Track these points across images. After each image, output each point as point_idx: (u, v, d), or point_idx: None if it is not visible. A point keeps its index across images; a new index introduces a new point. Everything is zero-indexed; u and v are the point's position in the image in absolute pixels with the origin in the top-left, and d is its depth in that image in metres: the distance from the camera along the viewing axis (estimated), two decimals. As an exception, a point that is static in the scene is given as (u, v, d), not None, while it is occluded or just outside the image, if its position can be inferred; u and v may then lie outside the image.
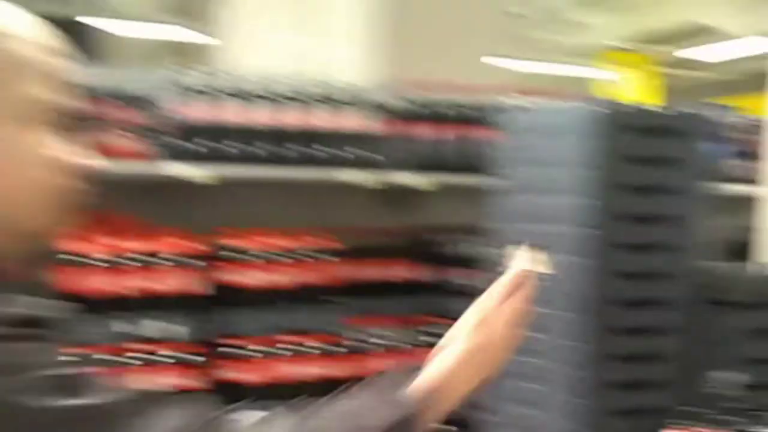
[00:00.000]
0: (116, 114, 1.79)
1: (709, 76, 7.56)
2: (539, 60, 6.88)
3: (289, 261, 2.00)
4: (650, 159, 1.55)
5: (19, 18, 0.58)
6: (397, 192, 2.13)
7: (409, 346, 2.13)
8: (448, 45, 2.83)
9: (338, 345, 2.05)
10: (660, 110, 1.74)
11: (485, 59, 3.17)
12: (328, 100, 1.97)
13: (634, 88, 7.19)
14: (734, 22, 5.38)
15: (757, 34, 4.01)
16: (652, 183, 1.56)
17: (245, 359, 1.95)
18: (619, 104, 1.69)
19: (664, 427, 1.48)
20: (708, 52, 6.66)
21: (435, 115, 2.12)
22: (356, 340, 2.08)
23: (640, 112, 1.67)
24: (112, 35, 5.75)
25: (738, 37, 5.61)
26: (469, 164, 1.99)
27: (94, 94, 1.71)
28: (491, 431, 1.78)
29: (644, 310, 1.56)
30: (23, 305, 0.56)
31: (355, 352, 2.07)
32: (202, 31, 4.74)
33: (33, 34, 0.59)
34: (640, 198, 1.54)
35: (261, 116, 1.91)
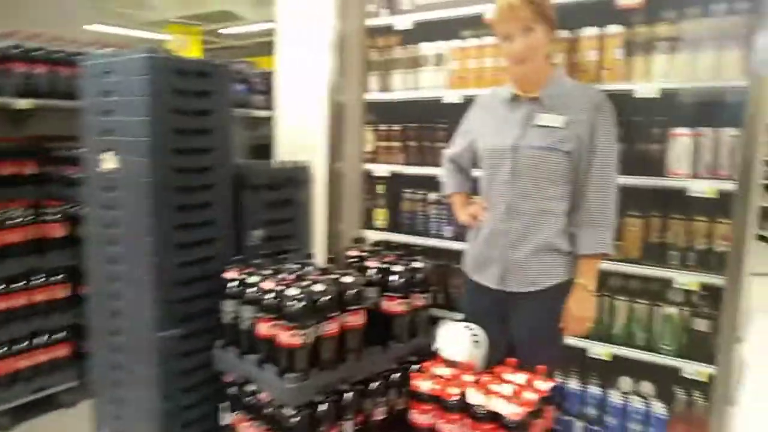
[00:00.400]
0: None
1: (236, 44, 11.85)
2: (125, 27, 9.43)
3: None
4: (193, 92, 2.14)
5: None
6: (13, 112, 3.00)
7: (32, 222, 2.95)
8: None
9: None
10: (200, 60, 2.44)
11: (87, 26, 4.00)
12: None
13: (187, 50, 10.09)
14: (251, 11, 8.43)
15: (267, 19, 6.01)
16: (196, 108, 2.15)
17: None
18: (172, 54, 2.30)
19: (223, 270, 2.09)
20: (235, 29, 10.57)
21: (36, 57, 3.02)
22: None
23: (185, 60, 2.28)
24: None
25: (255, 21, 9.04)
26: (64, 92, 2.73)
27: None
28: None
29: (196, 192, 2.17)
30: None
31: None
32: None
33: None
34: (186, 117, 2.12)
35: None
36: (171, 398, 2.15)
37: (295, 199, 2.57)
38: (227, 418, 2.08)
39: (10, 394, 2.93)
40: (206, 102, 2.21)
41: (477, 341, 1.82)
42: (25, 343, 2.98)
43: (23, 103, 2.98)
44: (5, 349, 2.92)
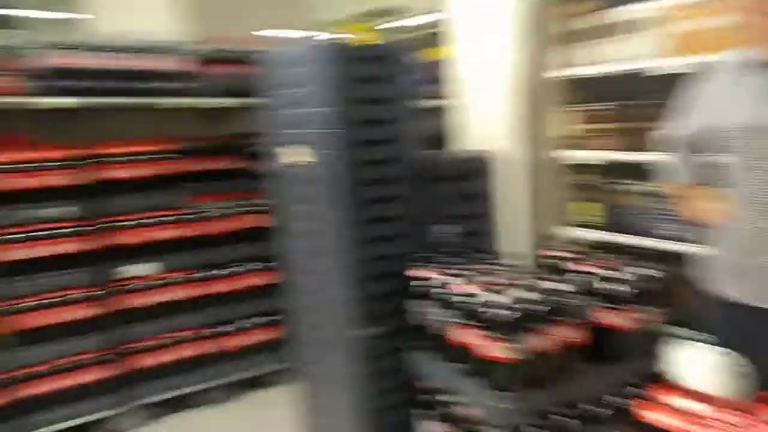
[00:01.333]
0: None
1: (406, 37, 11.33)
2: (293, 30, 9.43)
3: (146, 160, 2.95)
4: (372, 79, 2.03)
5: None
6: (209, 110, 3.25)
7: (235, 213, 3.17)
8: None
9: (184, 214, 3.03)
10: (381, 45, 2.32)
11: (264, 32, 4.21)
12: (157, 50, 2.99)
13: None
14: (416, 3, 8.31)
15: (432, 10, 5.77)
16: (376, 96, 2.04)
17: (122, 229, 2.87)
18: (349, 42, 2.22)
19: (407, 268, 1.98)
20: (403, 23, 10.21)
21: (227, 58, 3.22)
22: (198, 212, 3.07)
23: (363, 47, 2.18)
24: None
25: (421, 13, 8.59)
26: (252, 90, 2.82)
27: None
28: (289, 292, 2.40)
29: (379, 186, 2.07)
30: None
31: (198, 220, 3.07)
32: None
33: None
34: (367, 107, 2.03)
35: (105, 62, 2.85)
36: (366, 399, 2.09)
37: (479, 192, 2.38)
38: (425, 426, 1.97)
39: (219, 371, 3.14)
40: (388, 90, 2.09)
41: (738, 372, 1.47)
42: (231, 326, 3.17)
43: (223, 102, 3.18)
44: (213, 330, 3.12)
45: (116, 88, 2.88)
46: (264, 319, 3.25)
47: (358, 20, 10.31)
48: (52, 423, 2.69)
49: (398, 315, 2.02)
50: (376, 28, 10.83)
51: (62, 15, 7.01)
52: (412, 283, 1.93)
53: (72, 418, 2.74)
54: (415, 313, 1.94)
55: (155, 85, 2.99)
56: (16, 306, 2.60)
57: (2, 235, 2.57)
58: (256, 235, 3.18)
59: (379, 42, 3.04)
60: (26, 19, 6.88)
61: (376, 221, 2.08)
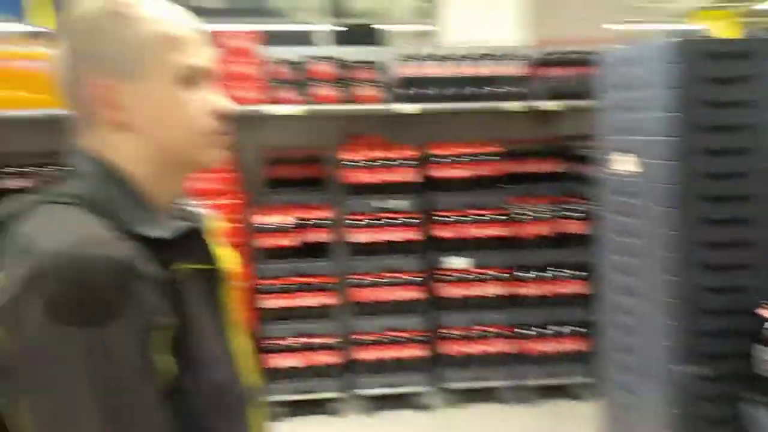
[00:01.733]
0: (365, 74, 3.06)
1: None
2: (648, 22, 8.54)
3: (471, 161, 3.14)
4: (731, 79, 1.77)
5: (163, 6, 0.76)
6: (538, 113, 3.27)
7: (553, 217, 3.13)
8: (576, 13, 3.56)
9: (505, 215, 3.11)
10: (730, 39, 1.99)
11: (606, 25, 3.92)
12: (495, 57, 3.13)
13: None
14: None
15: None
16: (736, 98, 1.78)
17: (448, 224, 3.10)
18: (696, 35, 1.98)
19: (758, 306, 1.70)
20: None
21: (560, 60, 3.21)
22: (516, 213, 3.12)
23: (713, 40, 1.92)
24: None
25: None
26: (586, 92, 2.68)
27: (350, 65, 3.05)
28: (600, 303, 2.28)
29: (728, 203, 1.79)
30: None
31: (515, 221, 3.12)
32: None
33: (177, 16, 0.77)
34: (723, 111, 1.78)
35: (448, 70, 3.09)
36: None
37: None
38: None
39: (522, 372, 3.16)
40: (739, 90, 1.80)
41: None
42: (539, 330, 3.16)
43: (551, 105, 3.17)
44: (519, 330, 3.15)
45: (455, 95, 3.09)
46: (573, 329, 3.15)
47: (717, 7, 8.78)
48: (370, 387, 3.08)
49: (738, 358, 1.73)
50: (738, 15, 9.18)
51: (420, 27, 7.84)
52: (766, 325, 1.64)
53: (390, 386, 3.09)
54: (762, 361, 1.65)
55: (490, 89, 3.12)
56: (355, 281, 3.04)
57: (350, 220, 3.02)
58: (573, 241, 3.09)
59: (741, 34, 2.60)
60: (389, 33, 8.01)
61: (721, 246, 1.81)
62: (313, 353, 3.00)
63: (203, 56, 0.78)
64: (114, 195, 0.72)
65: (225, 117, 0.78)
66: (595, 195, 2.26)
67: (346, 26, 5.69)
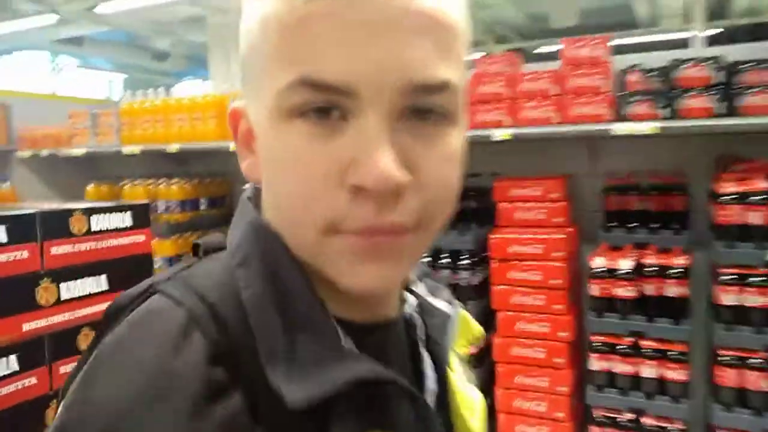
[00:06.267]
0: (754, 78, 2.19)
1: None
2: None
3: None
4: None
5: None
6: None
7: None
8: None
9: None
10: None
11: None
12: None
13: None
14: None
15: None
16: None
17: None
18: None
19: None
20: None
21: None
22: None
23: None
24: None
25: None
26: None
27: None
28: None
29: None
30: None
31: None
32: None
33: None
34: None
35: None
36: None
37: None
38: None
39: None
40: None
41: None
42: None
43: None
44: None
45: None
46: None
47: None
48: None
49: None
50: None
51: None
52: None
53: None
54: None
55: None
56: (725, 358, 2.24)
57: (720, 273, 2.24)
58: None
59: None
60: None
61: None
62: (651, 439, 2.33)
63: (343, 63, 0.39)
64: (259, 300, 0.42)
65: (381, 195, 0.40)
66: None
67: (723, 28, 4.68)
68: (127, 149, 3.38)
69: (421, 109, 0.42)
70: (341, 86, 0.39)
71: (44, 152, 3.77)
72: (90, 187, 3.71)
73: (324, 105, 0.40)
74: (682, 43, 7.13)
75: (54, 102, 4.55)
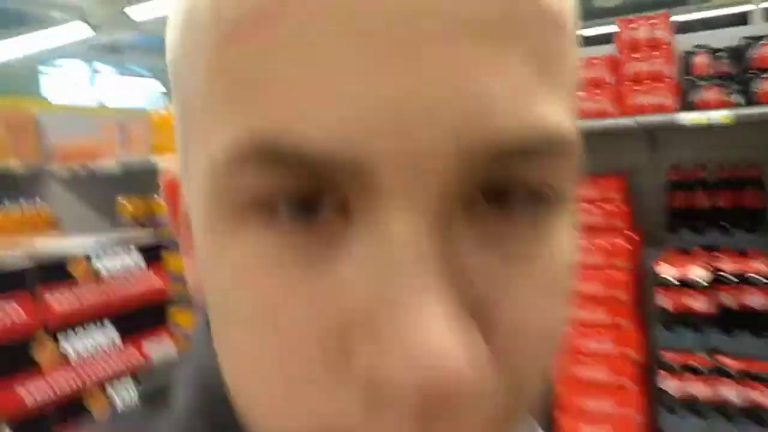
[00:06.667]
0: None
1: None
2: None
3: None
4: None
5: None
6: None
7: None
8: None
9: None
10: None
11: None
12: None
13: None
14: None
15: None
16: None
17: None
18: None
19: None
20: None
21: None
22: None
23: None
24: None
25: None
26: None
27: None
28: None
29: None
30: None
31: None
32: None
33: None
34: None
35: None
36: None
37: None
38: None
39: None
40: None
41: None
42: None
43: None
44: None
45: None
46: None
47: None
48: None
49: None
50: None
51: None
52: None
53: None
54: None
55: None
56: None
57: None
58: None
59: None
60: None
61: None
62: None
63: (341, 109, 0.18)
64: None
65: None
66: None
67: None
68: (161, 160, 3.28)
69: (503, 188, 0.20)
70: (338, 160, 0.18)
71: (77, 166, 3.69)
72: (122, 201, 3.63)
73: (305, 194, 0.20)
74: (739, 20, 6.64)
75: (87, 115, 4.49)
